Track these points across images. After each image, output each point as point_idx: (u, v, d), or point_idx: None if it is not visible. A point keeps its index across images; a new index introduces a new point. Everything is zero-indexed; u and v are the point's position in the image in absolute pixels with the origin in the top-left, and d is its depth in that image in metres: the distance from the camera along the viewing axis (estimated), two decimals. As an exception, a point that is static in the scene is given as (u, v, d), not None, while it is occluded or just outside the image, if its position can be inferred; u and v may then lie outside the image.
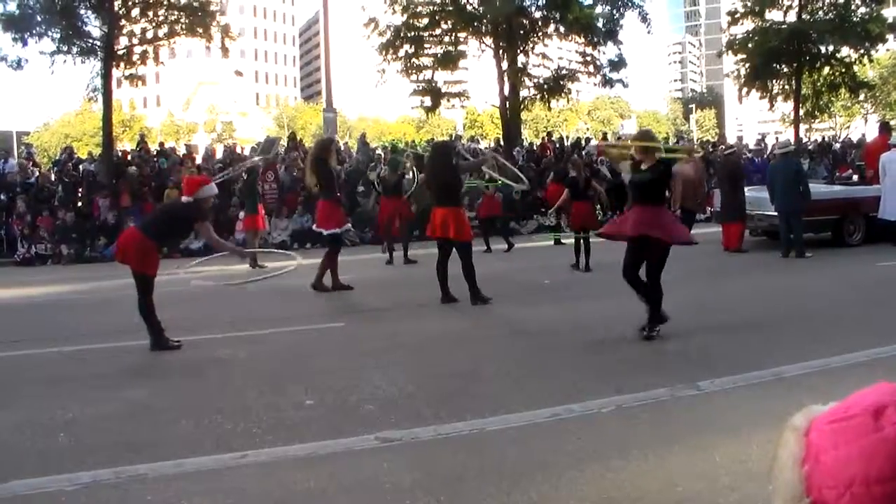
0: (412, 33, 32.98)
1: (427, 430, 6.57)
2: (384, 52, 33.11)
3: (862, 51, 39.26)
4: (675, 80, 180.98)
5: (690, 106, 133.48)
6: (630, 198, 10.48)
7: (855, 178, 21.84)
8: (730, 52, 41.10)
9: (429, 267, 17.11)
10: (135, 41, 28.25)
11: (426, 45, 33.75)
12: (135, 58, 27.96)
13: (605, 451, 6.07)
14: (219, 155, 29.83)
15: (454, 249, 12.66)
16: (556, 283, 14.76)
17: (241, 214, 19.68)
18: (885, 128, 23.33)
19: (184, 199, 10.37)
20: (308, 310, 12.97)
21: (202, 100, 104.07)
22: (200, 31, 27.85)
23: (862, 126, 68.57)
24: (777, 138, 41.04)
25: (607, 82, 36.24)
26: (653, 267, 10.06)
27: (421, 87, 34.35)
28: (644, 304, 10.03)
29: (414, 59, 33.59)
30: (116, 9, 26.36)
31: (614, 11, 34.41)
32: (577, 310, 12.08)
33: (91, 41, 26.94)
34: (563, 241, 19.88)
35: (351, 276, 15.50)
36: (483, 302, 12.44)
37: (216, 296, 13.95)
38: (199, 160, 28.44)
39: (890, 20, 41.64)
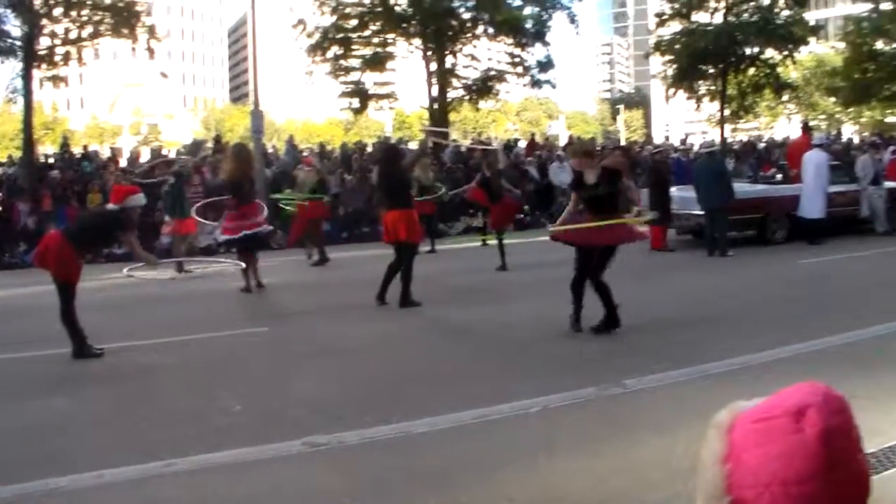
0: (340, 35, 32.84)
1: (354, 434, 6.55)
2: (312, 54, 32.96)
3: (786, 53, 39.93)
4: (604, 81, 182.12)
5: (618, 106, 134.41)
6: (584, 207, 10.53)
7: (779, 177, 22.18)
8: (657, 53, 41.49)
9: (351, 270, 17.14)
10: (57, 41, 27.66)
11: (354, 47, 33.63)
12: (57, 58, 27.35)
13: (533, 451, 6.11)
14: (144, 158, 29.45)
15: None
16: (483, 285, 14.77)
17: (167, 218, 19.37)
18: (807, 128, 23.81)
19: (110, 206, 10.22)
20: (233, 314, 12.82)
21: (127, 102, 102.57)
22: (126, 31, 27.38)
23: (786, 126, 69.63)
24: (703, 138, 41.56)
25: (535, 83, 36.42)
26: (595, 266, 10.19)
27: (349, 89, 34.23)
28: (574, 308, 10.16)
29: (342, 61, 33.46)
30: (37, 8, 25.81)
31: (543, 13, 34.57)
32: (504, 311, 12.09)
33: (10, 41, 26.35)
34: (489, 242, 19.95)
35: (275, 280, 15.43)
36: (411, 305, 12.44)
37: (140, 302, 13.77)
38: (123, 163, 28.01)
39: (812, 23, 42.40)
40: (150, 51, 28.50)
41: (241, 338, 10.83)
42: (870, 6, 44.02)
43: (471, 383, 8.12)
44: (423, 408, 7.16)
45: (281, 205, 19.29)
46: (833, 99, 52.64)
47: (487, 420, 6.85)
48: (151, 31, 28.33)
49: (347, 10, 32.73)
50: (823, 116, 68.90)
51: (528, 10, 34.45)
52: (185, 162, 19.96)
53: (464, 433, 6.59)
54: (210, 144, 29.89)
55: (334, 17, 32.59)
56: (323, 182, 18.94)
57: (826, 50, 58.17)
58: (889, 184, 20.83)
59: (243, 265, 13.97)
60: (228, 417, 7.21)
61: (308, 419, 7.02)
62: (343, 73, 33.75)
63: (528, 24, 34.11)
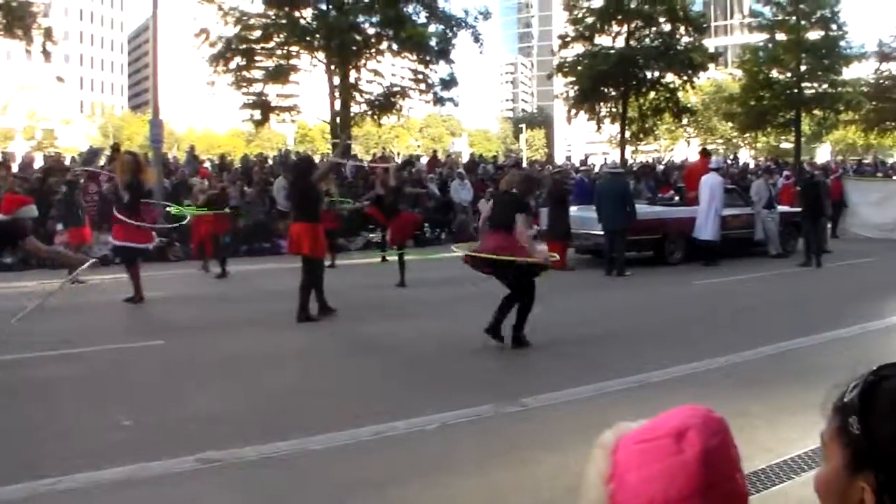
0: (244, 46, 32.51)
1: (249, 450, 6.45)
2: (215, 64, 32.55)
3: (685, 78, 40.89)
4: (507, 100, 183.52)
5: (521, 125, 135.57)
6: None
7: (676, 199, 22.64)
8: (560, 74, 42.07)
9: (251, 283, 16.92)
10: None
11: (257, 58, 33.33)
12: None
13: (429, 468, 6.12)
14: (38, 163, 28.70)
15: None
16: (382, 301, 14.73)
17: (60, 227, 18.93)
18: (705, 152, 24.33)
19: (0, 216, 9.94)
20: (128, 327, 12.57)
21: (21, 105, 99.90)
22: (20, 32, 26.71)
23: (685, 149, 71.03)
24: (605, 159, 42.19)
25: (438, 100, 36.56)
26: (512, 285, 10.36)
27: (251, 101, 33.90)
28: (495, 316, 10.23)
29: (245, 72, 33.12)
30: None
31: (447, 31, 34.73)
32: (403, 327, 12.08)
33: None
34: (388, 258, 19.95)
35: (173, 292, 15.20)
36: (307, 320, 12.35)
37: (29, 313, 13.41)
38: (15, 168, 27.25)
39: (711, 50, 43.43)
40: (46, 53, 27.87)
41: (135, 351, 10.58)
42: (766, 36, 45.31)
43: (369, 399, 8.09)
44: (321, 423, 7.09)
45: (174, 213, 19.00)
46: (730, 124, 53.92)
47: (385, 436, 6.82)
48: (48, 33, 27.73)
49: (251, 21, 32.43)
50: (721, 141, 70.61)
51: (432, 28, 34.58)
52: (80, 170, 19.52)
53: (361, 449, 6.55)
54: (107, 153, 29.30)
55: (238, 28, 32.24)
56: (224, 195, 18.68)
57: (724, 76, 59.56)
58: (782, 208, 21.39)
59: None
60: (119, 433, 7.04)
61: (202, 434, 6.90)
62: (245, 84, 33.41)
63: (433, 42, 34.22)
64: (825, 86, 43.97)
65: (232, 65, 32.76)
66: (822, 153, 74.62)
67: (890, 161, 57.52)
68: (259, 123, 35.33)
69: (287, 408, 7.79)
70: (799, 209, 20.52)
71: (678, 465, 1.32)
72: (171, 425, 7.23)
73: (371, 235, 23.86)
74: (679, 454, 1.33)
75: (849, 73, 46.07)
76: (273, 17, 32.49)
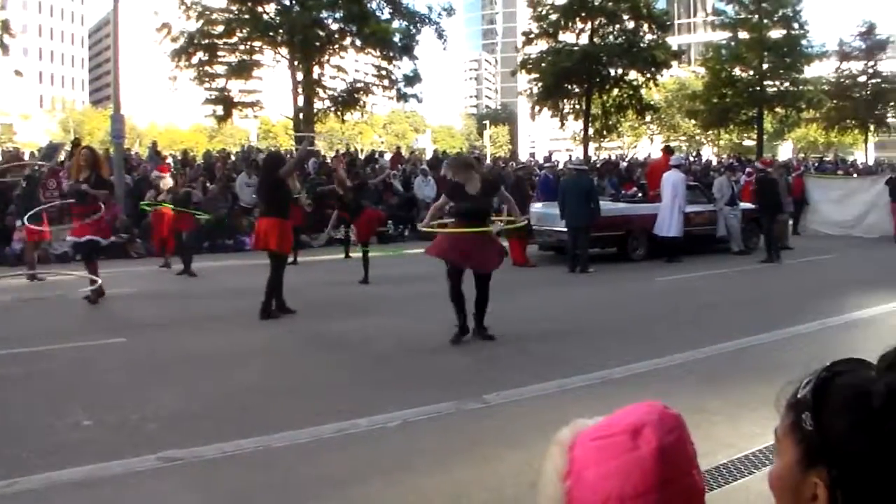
0: (206, 41, 32.30)
1: (211, 449, 6.40)
2: (177, 59, 32.31)
3: (648, 75, 41.12)
4: (471, 97, 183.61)
5: (485, 122, 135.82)
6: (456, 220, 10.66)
7: (639, 195, 22.75)
8: (523, 70, 42.17)
9: (213, 280, 16.81)
10: None
11: (220, 53, 33.12)
12: None
13: (391, 466, 6.10)
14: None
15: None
16: (345, 298, 14.67)
17: (19, 223, 18.68)
18: (668, 149, 24.43)
19: None
20: (89, 324, 12.40)
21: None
22: (-25, 25, 26.44)
23: (648, 146, 71.44)
24: (570, 156, 42.34)
25: (402, 97, 36.50)
26: (480, 279, 10.42)
27: (214, 96, 33.67)
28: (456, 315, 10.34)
29: (207, 67, 32.90)
30: None
31: (411, 27, 34.68)
32: (366, 324, 12.02)
33: None
34: (352, 255, 19.90)
35: (135, 289, 15.07)
36: (270, 317, 12.29)
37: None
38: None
39: (674, 48, 43.70)
40: (4, 47, 27.58)
41: (96, 349, 10.45)
42: (728, 34, 45.67)
43: (331, 397, 8.05)
44: (284, 421, 7.05)
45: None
46: (693, 121, 54.30)
47: (347, 434, 6.79)
48: (5, 26, 27.46)
49: (214, 16, 32.23)
50: (684, 138, 71.03)
51: (396, 24, 34.52)
52: (40, 165, 19.28)
53: (323, 447, 6.53)
54: (68, 148, 29.00)
55: (200, 23, 32.02)
56: (188, 194, 18.53)
57: (688, 74, 59.95)
58: (745, 205, 21.54)
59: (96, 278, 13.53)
60: (78, 432, 6.95)
61: (164, 433, 6.84)
62: (208, 79, 33.18)
63: (396, 38, 34.18)
64: (787, 84, 44.49)
65: (194, 60, 32.55)
66: (785, 151, 75.37)
67: (850, 159, 58.22)
68: (222, 119, 35.09)
69: (249, 406, 7.73)
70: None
71: (634, 462, 1.34)
72: (132, 424, 7.15)
73: (334, 233, 23.76)
74: (635, 451, 1.35)
75: (810, 71, 46.66)
76: (236, 12, 32.31)
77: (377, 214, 18.68)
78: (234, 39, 32.94)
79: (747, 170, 32.08)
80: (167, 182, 18.47)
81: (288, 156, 18.66)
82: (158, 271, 18.33)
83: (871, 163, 56.43)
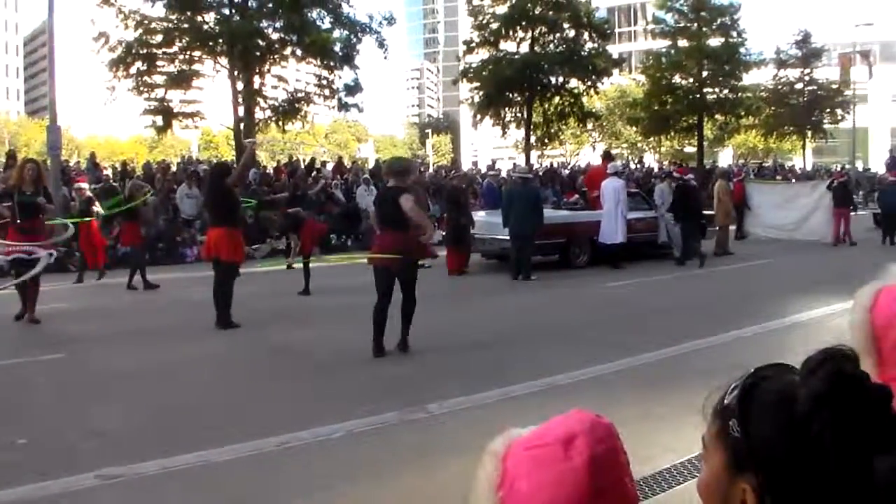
0: (145, 50, 31.90)
1: (152, 465, 6.30)
2: (115, 69, 31.85)
3: (589, 83, 41.37)
4: (413, 106, 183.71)
5: (427, 131, 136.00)
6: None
7: (581, 203, 22.90)
8: (465, 79, 42.25)
9: (153, 293, 16.59)
10: None
11: (159, 63, 32.70)
12: None
13: (335, 478, 6.07)
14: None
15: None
16: (287, 309, 14.54)
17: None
18: (607, 156, 24.63)
19: None
20: (24, 340, 12.18)
21: None
22: None
23: (591, 153, 71.87)
24: (514, 164, 42.47)
25: (343, 106, 36.34)
26: (404, 284, 10.35)
27: (153, 107, 33.24)
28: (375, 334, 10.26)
29: (146, 77, 32.47)
30: None
31: (351, 36, 34.55)
32: (308, 335, 11.98)
33: None
34: (294, 265, 19.78)
35: (71, 304, 14.85)
36: (229, 327, 12.21)
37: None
38: None
39: (615, 56, 44.05)
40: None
41: (30, 365, 10.26)
42: (668, 43, 46.14)
43: (273, 409, 7.98)
44: (225, 435, 6.97)
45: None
46: (635, 128, 54.74)
47: (289, 447, 6.73)
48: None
49: (153, 26, 31.82)
50: (626, 145, 71.58)
51: (336, 33, 34.35)
52: None
53: (265, 461, 6.46)
54: (2, 159, 28.51)
55: (138, 32, 31.61)
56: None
57: (628, 82, 60.44)
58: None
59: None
60: (13, 452, 6.77)
61: (103, 450, 6.71)
62: (147, 89, 32.71)
63: (337, 48, 34.02)
64: (726, 91, 44.98)
65: (133, 70, 32.07)
66: (725, 157, 76.20)
67: (789, 164, 59.09)
68: (161, 130, 34.62)
69: (190, 420, 7.64)
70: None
71: (567, 472, 1.34)
72: (70, 442, 7.01)
73: (276, 243, 23.62)
74: (567, 461, 1.35)
75: (748, 79, 47.26)
76: (175, 22, 31.93)
77: (319, 226, 18.57)
78: (174, 49, 32.52)
79: (689, 176, 32.56)
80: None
81: (233, 166, 18.48)
82: (97, 285, 18.08)
83: (808, 168, 57.32)
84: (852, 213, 26.68)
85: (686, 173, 23.63)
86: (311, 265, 16.25)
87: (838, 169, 40.72)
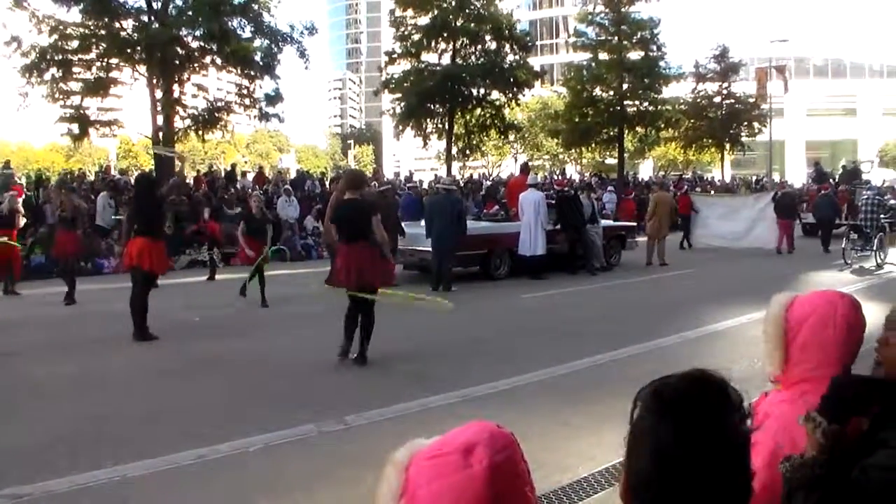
0: (60, 56, 31.29)
1: (62, 482, 6.15)
2: (28, 75, 31.18)
3: (511, 95, 41.62)
4: (335, 116, 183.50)
5: (349, 141, 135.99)
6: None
7: (501, 214, 23.02)
8: (387, 90, 42.25)
9: (79, 306, 16.21)
10: None
11: (75, 70, 32.09)
12: None
13: (252, 492, 6.03)
14: None
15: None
16: (207, 321, 14.31)
17: None
18: (525, 168, 24.79)
19: None
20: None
21: None
22: None
23: (512, 165, 72.31)
24: (436, 175, 42.55)
25: (263, 116, 36.06)
26: (364, 302, 10.50)
27: (69, 114, 32.61)
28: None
29: (62, 84, 31.83)
30: None
31: (272, 46, 34.32)
32: (227, 348, 11.78)
33: None
34: (215, 277, 19.61)
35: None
36: (147, 339, 12.00)
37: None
38: None
39: (536, 68, 44.36)
40: None
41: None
42: (589, 55, 46.64)
43: (191, 422, 7.84)
44: (141, 449, 6.85)
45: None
46: (556, 140, 55.17)
47: (206, 460, 6.64)
48: None
49: (68, 31, 31.24)
50: (548, 156, 72.13)
51: (257, 43, 34.10)
52: None
53: (182, 475, 6.36)
54: None
55: (53, 38, 31.01)
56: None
57: (550, 94, 60.89)
58: (606, 222, 21.93)
59: None
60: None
61: (11, 468, 6.53)
62: (62, 96, 32.09)
63: (258, 57, 33.77)
64: (646, 104, 45.58)
65: (47, 76, 31.44)
66: (646, 168, 77.21)
67: (708, 176, 60.09)
68: (78, 138, 33.96)
69: (104, 434, 7.46)
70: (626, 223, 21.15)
71: (466, 480, 1.39)
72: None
73: (197, 254, 23.31)
74: (467, 468, 1.40)
75: (668, 92, 47.96)
76: (92, 28, 31.39)
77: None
78: (91, 56, 31.95)
79: (609, 188, 33.03)
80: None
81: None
82: (7, 297, 17.65)
83: (727, 180, 58.31)
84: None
85: (564, 185, 24.13)
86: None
87: (780, 181, 42.00)
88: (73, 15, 31.32)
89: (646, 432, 1.50)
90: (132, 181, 28.90)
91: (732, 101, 55.45)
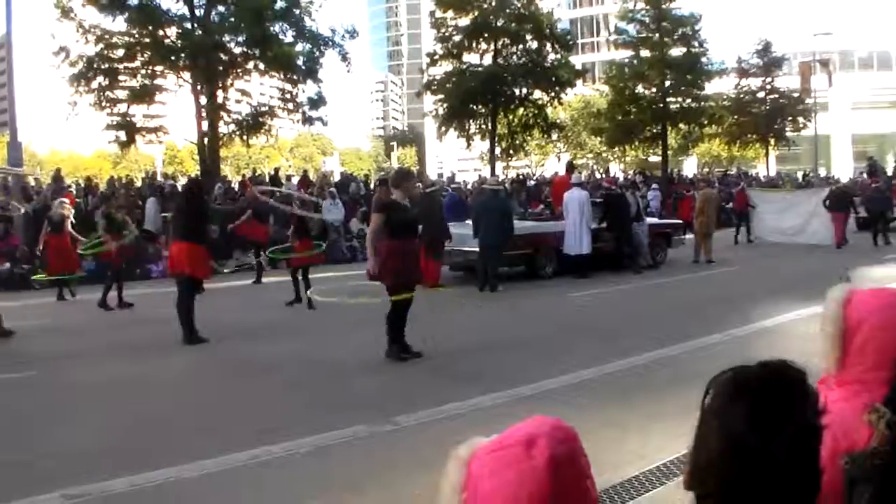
0: (106, 65, 31.65)
1: (119, 482, 6.23)
2: (76, 84, 31.57)
3: (553, 94, 41.51)
4: (378, 118, 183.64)
5: (392, 143, 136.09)
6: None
7: (546, 213, 22.97)
8: (429, 92, 42.30)
9: (130, 311, 16.40)
10: None
11: (121, 78, 32.45)
12: None
13: (303, 492, 6.06)
14: None
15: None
16: (257, 324, 14.44)
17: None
18: (570, 167, 24.72)
19: None
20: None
21: None
22: None
23: (555, 164, 72.06)
24: (479, 175, 42.56)
25: (307, 120, 36.25)
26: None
27: (115, 122, 32.98)
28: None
29: (108, 92, 32.21)
30: None
31: (314, 50, 34.50)
32: (278, 350, 11.88)
33: None
34: (262, 280, 19.75)
35: (37, 321, 14.69)
36: (197, 342, 12.13)
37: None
38: None
39: (578, 67, 44.24)
40: None
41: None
42: (631, 53, 46.42)
43: (243, 424, 7.92)
44: (195, 451, 6.92)
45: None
46: (599, 138, 54.98)
47: (259, 461, 6.69)
48: None
49: (114, 40, 31.61)
50: (591, 155, 71.79)
51: (299, 47, 34.28)
52: None
53: (235, 476, 6.42)
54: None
55: (99, 47, 31.38)
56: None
57: (592, 92, 60.69)
58: (651, 220, 21.82)
59: None
60: (-23, 472, 6.68)
61: (69, 468, 6.63)
62: (109, 104, 32.47)
63: (300, 61, 33.96)
64: (689, 101, 45.29)
65: (94, 84, 31.83)
66: (689, 165, 76.63)
67: (753, 172, 59.55)
68: (124, 145, 34.36)
69: (159, 436, 7.57)
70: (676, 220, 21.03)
71: (528, 471, 1.39)
72: (36, 461, 6.91)
73: (245, 258, 23.48)
74: (529, 460, 1.40)
75: (711, 88, 47.63)
76: (136, 36, 31.72)
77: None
78: (136, 64, 32.32)
79: (654, 186, 32.91)
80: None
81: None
82: (64, 302, 17.92)
83: (772, 175, 57.80)
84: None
85: (613, 183, 24.02)
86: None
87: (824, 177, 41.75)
88: (119, 24, 31.72)
89: (718, 416, 1.51)
90: (178, 186, 29.17)
91: (776, 96, 55.02)
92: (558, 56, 41.63)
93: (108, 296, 16.57)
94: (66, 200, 19.32)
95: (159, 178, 39.72)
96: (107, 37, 31.44)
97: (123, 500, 5.97)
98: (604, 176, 44.74)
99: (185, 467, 6.52)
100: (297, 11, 33.78)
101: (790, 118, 54.84)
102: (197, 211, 12.68)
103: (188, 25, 32.43)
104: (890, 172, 41.25)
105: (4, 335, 13.23)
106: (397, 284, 10.34)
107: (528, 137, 45.45)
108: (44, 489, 6.08)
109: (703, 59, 46.19)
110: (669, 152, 50.30)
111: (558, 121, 47.01)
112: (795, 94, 54.99)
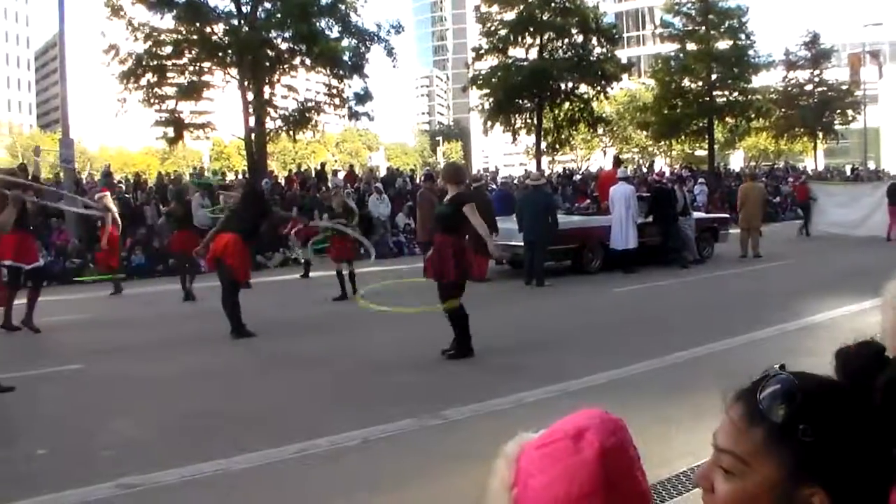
0: (155, 62, 32.00)
1: (170, 474, 6.30)
2: (125, 81, 31.95)
3: (599, 88, 41.40)
4: (423, 113, 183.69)
5: (438, 138, 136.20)
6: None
7: (593, 207, 22.92)
8: (474, 86, 42.32)
9: (167, 304, 16.58)
10: None
11: (169, 75, 32.79)
12: None
13: (352, 486, 6.08)
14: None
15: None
16: (300, 318, 14.55)
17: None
18: (617, 161, 24.63)
19: None
20: (42, 351, 12.25)
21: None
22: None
23: (601, 158, 71.81)
24: (525, 170, 42.53)
25: (353, 115, 36.41)
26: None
27: (164, 118, 33.32)
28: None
29: (156, 89, 32.54)
30: None
31: (360, 45, 34.64)
32: (325, 344, 11.97)
33: None
34: (310, 274, 19.84)
35: (86, 315, 14.89)
36: (244, 336, 12.22)
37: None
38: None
39: (624, 61, 44.05)
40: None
41: (49, 377, 10.29)
42: (677, 46, 46.14)
43: (290, 417, 8.00)
44: (244, 443, 6.98)
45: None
46: (645, 133, 54.71)
47: (307, 454, 6.73)
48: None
49: (162, 37, 31.94)
50: (637, 149, 71.41)
51: (345, 43, 34.44)
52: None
53: (284, 469, 6.46)
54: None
55: (148, 44, 31.73)
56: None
57: (638, 86, 60.38)
58: (698, 214, 21.69)
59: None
60: (32, 463, 6.80)
61: (122, 459, 6.72)
62: (157, 101, 32.80)
63: (346, 57, 34.10)
64: (736, 94, 45.01)
65: (143, 81, 32.19)
66: (736, 159, 76.04)
67: (801, 166, 58.97)
68: (173, 141, 34.70)
69: (208, 428, 7.65)
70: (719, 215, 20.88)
71: (578, 464, 1.36)
72: (90, 451, 7.03)
73: (290, 253, 23.61)
74: (578, 453, 1.37)
75: (758, 81, 47.29)
76: (184, 33, 32.02)
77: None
78: (183, 60, 32.64)
79: (700, 180, 32.69)
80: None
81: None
82: (113, 296, 18.14)
83: (821, 169, 57.23)
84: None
85: (663, 177, 23.88)
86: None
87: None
88: (167, 21, 32.06)
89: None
90: (226, 181, 29.38)
91: (824, 88, 54.44)
92: (604, 50, 41.51)
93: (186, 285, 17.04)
94: (106, 194, 19.51)
95: (206, 173, 40.03)
96: (155, 34, 31.79)
97: (175, 491, 6.04)
98: (647, 171, 44.51)
99: (235, 460, 6.57)
100: (343, 7, 33.93)
101: (839, 111, 54.27)
102: (262, 213, 12.82)
103: (235, 22, 32.69)
104: None
105: (33, 331, 13.34)
106: (460, 281, 10.35)
107: (574, 132, 45.37)
108: (98, 479, 6.18)
109: (750, 52, 45.84)
110: (716, 146, 49.97)
111: (604, 115, 46.89)
112: (844, 87, 54.40)
